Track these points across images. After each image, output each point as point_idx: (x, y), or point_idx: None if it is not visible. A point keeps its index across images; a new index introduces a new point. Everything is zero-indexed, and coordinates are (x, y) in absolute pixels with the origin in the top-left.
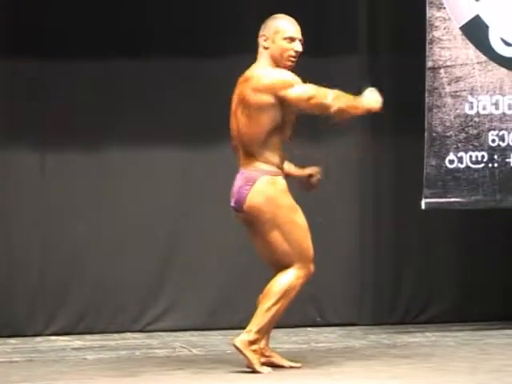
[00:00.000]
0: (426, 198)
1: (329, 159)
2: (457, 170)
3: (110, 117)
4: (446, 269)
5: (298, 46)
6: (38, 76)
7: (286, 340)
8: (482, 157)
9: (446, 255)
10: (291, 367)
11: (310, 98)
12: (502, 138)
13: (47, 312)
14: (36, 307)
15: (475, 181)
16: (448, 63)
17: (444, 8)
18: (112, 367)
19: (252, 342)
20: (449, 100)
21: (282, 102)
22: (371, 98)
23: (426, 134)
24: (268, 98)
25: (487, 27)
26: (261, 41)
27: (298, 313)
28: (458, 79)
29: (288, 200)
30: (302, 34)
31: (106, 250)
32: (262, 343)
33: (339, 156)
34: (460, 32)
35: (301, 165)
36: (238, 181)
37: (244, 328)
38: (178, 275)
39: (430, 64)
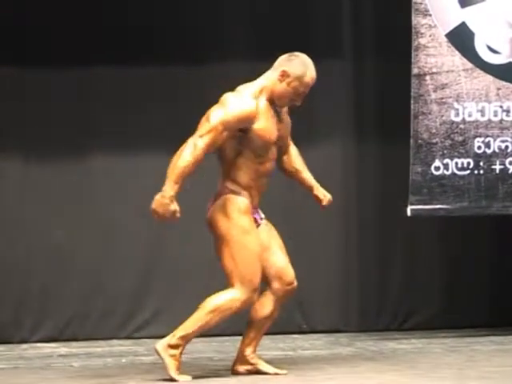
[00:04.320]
0: (411, 204)
1: (313, 164)
2: (442, 176)
3: (92, 123)
4: (431, 275)
5: (299, 102)
6: (18, 83)
7: (272, 347)
8: (468, 163)
9: (431, 261)
10: (277, 374)
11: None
12: (487, 145)
13: (33, 319)
14: (22, 314)
15: (461, 187)
16: (434, 70)
17: (430, 15)
18: (98, 374)
19: (172, 346)
20: (434, 107)
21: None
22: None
23: (411, 141)
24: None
25: (473, 34)
26: (278, 71)
27: (284, 320)
28: (443, 86)
29: (243, 221)
30: (287, 40)
31: (92, 257)
32: (249, 350)
33: (324, 162)
34: (446, 39)
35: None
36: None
37: (231, 335)
38: (164, 281)
39: (415, 71)
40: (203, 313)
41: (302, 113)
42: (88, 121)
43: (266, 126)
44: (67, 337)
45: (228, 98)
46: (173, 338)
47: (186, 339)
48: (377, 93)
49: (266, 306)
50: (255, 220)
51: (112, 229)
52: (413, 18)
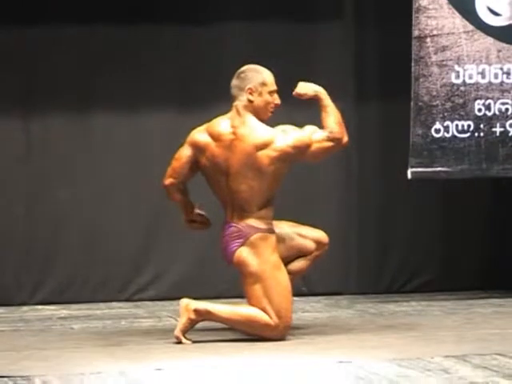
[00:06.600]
0: (412, 167)
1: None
2: (443, 139)
3: (95, 83)
4: (431, 238)
5: (278, 99)
6: (21, 41)
7: None
8: (468, 126)
9: (431, 224)
10: None
11: (326, 151)
12: (488, 107)
13: (33, 281)
14: (22, 276)
15: (461, 150)
16: (434, 32)
17: None
18: (98, 337)
19: (196, 312)
20: (435, 69)
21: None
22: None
23: (412, 104)
24: (288, 164)
25: None
26: (244, 94)
27: None
28: (444, 48)
29: (275, 257)
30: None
31: (92, 219)
32: None
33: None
34: (446, 1)
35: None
36: (227, 235)
37: (229, 297)
38: (164, 244)
39: (416, 33)
40: (238, 312)
41: (302, 75)
42: (89, 79)
43: None
44: (67, 299)
45: (299, 138)
46: (202, 305)
47: (209, 316)
48: (377, 55)
49: (298, 262)
50: None
51: (113, 190)
52: None
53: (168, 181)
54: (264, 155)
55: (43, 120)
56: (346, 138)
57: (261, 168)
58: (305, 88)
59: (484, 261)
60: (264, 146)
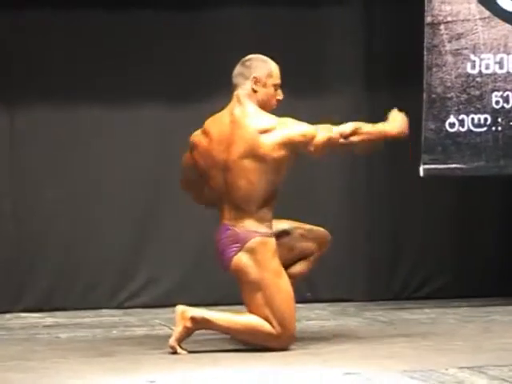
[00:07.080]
0: (424, 164)
1: (322, 118)
2: (458, 134)
3: (83, 75)
4: (445, 241)
5: (281, 94)
6: (5, 29)
7: None
8: (485, 120)
9: (445, 227)
10: None
11: (328, 142)
12: (506, 100)
13: (17, 287)
14: (5, 282)
15: (477, 145)
16: (448, 19)
17: None
18: (86, 346)
19: (193, 320)
20: (449, 58)
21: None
22: (396, 122)
23: (424, 95)
24: (290, 154)
25: None
26: (248, 83)
27: None
28: (459, 36)
29: (275, 263)
30: None
31: (80, 220)
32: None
33: (333, 116)
34: None
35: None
36: (224, 239)
37: (227, 304)
38: (157, 248)
39: (428, 19)
40: (239, 321)
41: (311, 65)
42: (80, 73)
43: None
44: (53, 306)
45: (305, 127)
46: (199, 313)
47: (207, 325)
48: (387, 43)
49: (299, 264)
50: None
51: (102, 193)
52: None
53: (180, 184)
54: (267, 140)
55: (30, 114)
56: (353, 137)
57: (263, 156)
58: (395, 115)
59: (502, 265)
60: (266, 130)
